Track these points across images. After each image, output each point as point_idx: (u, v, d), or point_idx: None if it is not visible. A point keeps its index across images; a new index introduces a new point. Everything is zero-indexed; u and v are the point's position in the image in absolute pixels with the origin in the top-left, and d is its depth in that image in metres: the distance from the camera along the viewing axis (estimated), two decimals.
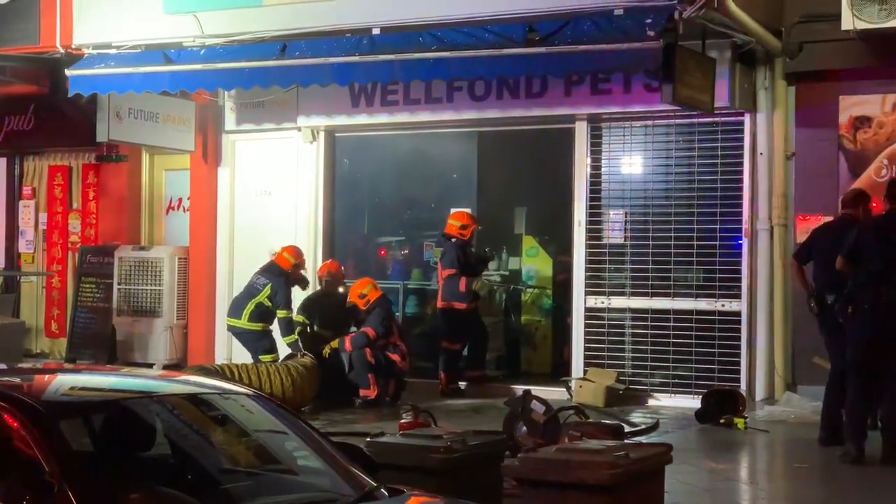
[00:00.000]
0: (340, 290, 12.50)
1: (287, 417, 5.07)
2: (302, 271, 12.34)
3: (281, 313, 11.94)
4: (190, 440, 5.08)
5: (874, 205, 9.79)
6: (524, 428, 7.65)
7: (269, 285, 11.98)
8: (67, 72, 12.31)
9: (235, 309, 12.19)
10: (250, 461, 5.03)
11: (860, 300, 8.63)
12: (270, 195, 13.91)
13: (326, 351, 11.92)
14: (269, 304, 11.96)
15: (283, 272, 12.10)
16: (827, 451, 9.15)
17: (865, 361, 8.66)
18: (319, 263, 13.16)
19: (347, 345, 11.79)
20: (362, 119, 13.18)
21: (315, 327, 12.39)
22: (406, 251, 14.10)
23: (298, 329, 12.12)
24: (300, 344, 11.93)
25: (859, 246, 8.71)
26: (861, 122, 11.19)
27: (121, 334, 14.06)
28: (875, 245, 8.62)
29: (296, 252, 12.34)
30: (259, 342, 12.04)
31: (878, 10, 10.31)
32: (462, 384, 12.46)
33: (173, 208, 14.86)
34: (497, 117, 12.58)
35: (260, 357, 11.88)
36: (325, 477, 4.71)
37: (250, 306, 11.99)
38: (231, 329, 12.33)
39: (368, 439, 6.26)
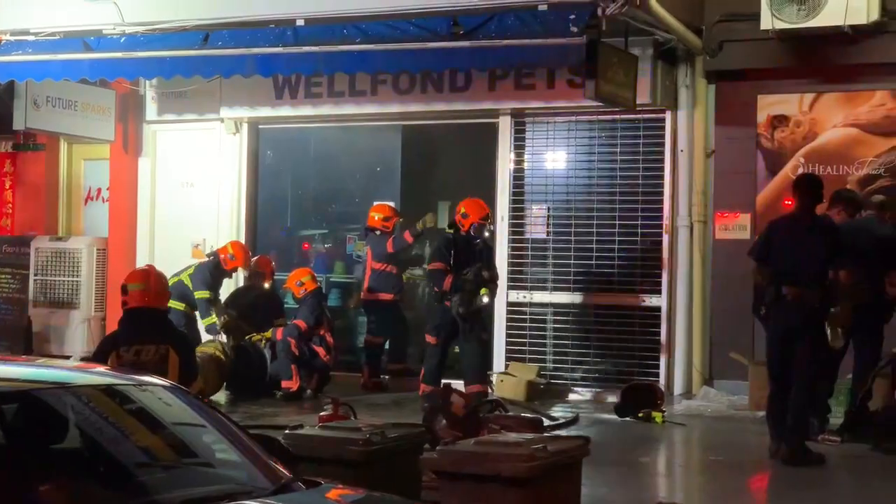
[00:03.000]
0: (266, 285, 12.44)
1: (204, 409, 5.02)
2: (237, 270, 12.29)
3: (199, 294, 11.86)
4: (105, 432, 5.01)
5: (787, 202, 9.95)
6: (444, 421, 7.66)
7: (196, 265, 11.94)
8: None
9: None
10: (166, 453, 4.97)
11: (769, 299, 8.69)
12: (193, 186, 13.78)
13: (257, 337, 11.88)
14: (188, 282, 11.90)
15: (215, 259, 12.03)
16: (742, 444, 9.27)
17: (778, 362, 8.73)
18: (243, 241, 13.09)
19: (279, 335, 11.78)
20: (286, 111, 13.11)
21: (241, 321, 12.31)
22: (329, 244, 14.05)
23: (225, 319, 12.05)
24: (218, 328, 11.90)
25: (769, 245, 8.79)
26: (779, 121, 11.36)
27: (37, 326, 13.85)
28: (783, 243, 8.68)
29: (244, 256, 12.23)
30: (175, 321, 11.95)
31: (797, 11, 10.48)
32: (384, 378, 12.45)
33: (92, 198, 14.67)
34: (421, 111, 12.58)
35: None
36: (241, 469, 4.67)
37: (171, 280, 11.94)
38: None
39: (287, 431, 6.23)
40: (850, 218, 9.66)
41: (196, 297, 11.92)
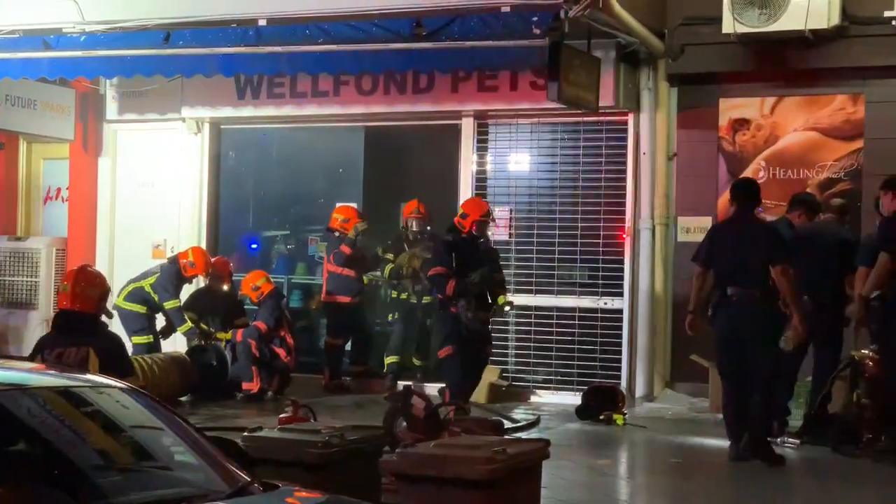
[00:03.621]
0: (225, 286, 12.36)
1: (161, 412, 4.98)
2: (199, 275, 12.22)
3: (169, 305, 11.80)
4: (61, 435, 4.95)
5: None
6: (404, 423, 7.63)
7: (158, 275, 11.86)
8: None
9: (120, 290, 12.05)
10: (122, 456, 4.92)
11: (715, 302, 8.80)
12: (153, 187, 13.71)
13: (222, 335, 11.87)
14: (151, 291, 11.82)
15: (176, 264, 11.94)
16: (703, 446, 9.30)
17: (727, 363, 8.79)
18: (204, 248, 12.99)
19: (239, 336, 11.74)
20: (248, 111, 13.06)
21: (201, 323, 12.24)
22: (291, 245, 13.99)
23: (189, 326, 12.01)
24: (197, 331, 11.89)
25: (711, 250, 8.87)
26: (740, 124, 11.42)
27: None
28: (725, 246, 8.79)
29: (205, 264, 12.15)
30: (132, 323, 11.85)
31: (759, 15, 10.53)
32: (346, 379, 12.41)
33: (51, 198, 14.54)
34: (384, 112, 12.56)
35: (132, 339, 11.70)
36: (198, 472, 4.63)
37: (130, 287, 11.86)
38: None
39: (245, 434, 6.18)
40: (809, 221, 9.73)
41: (166, 308, 11.86)
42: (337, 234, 12.32)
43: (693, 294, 9.05)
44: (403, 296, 12.35)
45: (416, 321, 12.37)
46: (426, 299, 11.96)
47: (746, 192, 9.00)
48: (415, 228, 12.27)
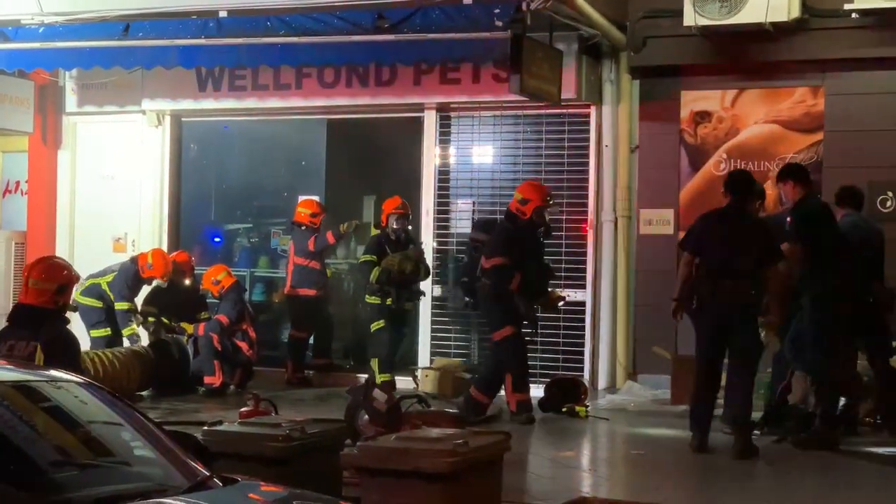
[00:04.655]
0: (187, 281, 12.29)
1: (120, 406, 4.95)
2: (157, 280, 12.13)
3: (118, 305, 11.72)
4: (18, 430, 4.91)
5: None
6: (366, 416, 7.62)
7: (116, 273, 11.77)
8: None
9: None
10: (81, 451, 4.88)
11: (702, 293, 8.69)
12: (114, 180, 13.63)
13: (187, 326, 11.81)
14: (107, 289, 11.73)
15: (135, 265, 11.86)
16: (665, 438, 9.33)
17: (710, 354, 8.73)
18: (165, 251, 12.90)
19: (201, 330, 11.67)
20: (209, 104, 12.99)
21: (162, 318, 12.16)
22: (255, 238, 13.92)
23: (151, 319, 11.95)
24: (138, 336, 11.83)
25: (701, 239, 8.84)
26: (701, 116, 11.47)
27: None
28: (716, 238, 8.71)
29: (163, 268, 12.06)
30: (89, 316, 11.79)
31: (719, 7, 10.57)
32: (309, 373, 12.37)
33: (10, 191, 14.40)
34: (346, 104, 12.53)
35: (90, 332, 11.64)
36: (156, 467, 4.60)
37: (88, 282, 11.79)
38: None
39: (205, 428, 6.15)
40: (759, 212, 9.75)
41: (116, 308, 11.81)
42: (304, 227, 12.27)
43: (679, 281, 8.83)
44: (388, 301, 11.35)
45: (402, 331, 11.75)
46: (408, 306, 11.53)
47: (740, 185, 8.85)
48: (395, 226, 11.33)
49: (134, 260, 12.05)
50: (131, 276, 11.86)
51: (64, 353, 7.48)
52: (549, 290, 10.32)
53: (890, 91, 10.86)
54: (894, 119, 10.84)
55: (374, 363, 11.30)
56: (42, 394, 4.95)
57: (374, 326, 11.41)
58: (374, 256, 11.30)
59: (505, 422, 9.90)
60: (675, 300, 8.88)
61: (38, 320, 7.32)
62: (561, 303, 10.53)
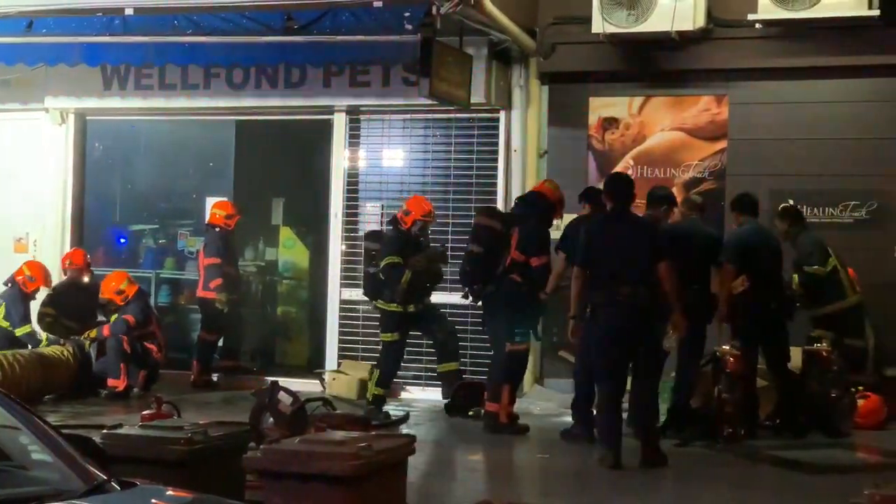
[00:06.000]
0: (86, 279, 12.09)
1: (16, 409, 4.85)
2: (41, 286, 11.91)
3: (19, 331, 11.57)
4: None
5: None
6: (271, 419, 7.56)
7: (3, 305, 11.55)
8: None
9: None
10: None
11: (598, 301, 8.49)
12: (16, 178, 13.35)
13: (89, 335, 11.57)
14: (6, 323, 11.61)
15: (15, 286, 11.64)
16: (569, 442, 9.39)
17: (613, 364, 8.49)
18: (67, 251, 12.70)
19: (106, 331, 11.47)
20: (115, 103, 12.81)
21: (62, 319, 11.93)
22: (162, 240, 13.75)
23: (48, 320, 11.76)
24: (39, 337, 11.61)
25: (589, 249, 8.63)
26: (609, 123, 11.58)
27: None
28: (605, 244, 8.56)
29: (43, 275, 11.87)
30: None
31: (627, 15, 10.70)
32: (215, 376, 12.25)
33: None
34: (255, 106, 12.45)
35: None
36: (53, 470, 4.52)
37: None
38: None
39: (104, 431, 6.05)
40: (667, 218, 9.84)
41: (18, 335, 11.60)
42: (218, 229, 12.15)
43: (574, 298, 8.66)
44: (411, 307, 10.46)
45: (432, 328, 10.96)
46: (411, 308, 10.62)
47: (622, 188, 8.75)
48: (417, 230, 10.47)
49: (11, 282, 11.78)
50: (18, 298, 11.67)
51: None
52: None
53: (792, 101, 11.08)
54: (796, 128, 11.06)
55: (374, 373, 10.53)
56: None
57: (387, 338, 10.53)
58: (400, 258, 10.35)
59: (411, 424, 9.88)
60: (571, 318, 8.81)
61: None
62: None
